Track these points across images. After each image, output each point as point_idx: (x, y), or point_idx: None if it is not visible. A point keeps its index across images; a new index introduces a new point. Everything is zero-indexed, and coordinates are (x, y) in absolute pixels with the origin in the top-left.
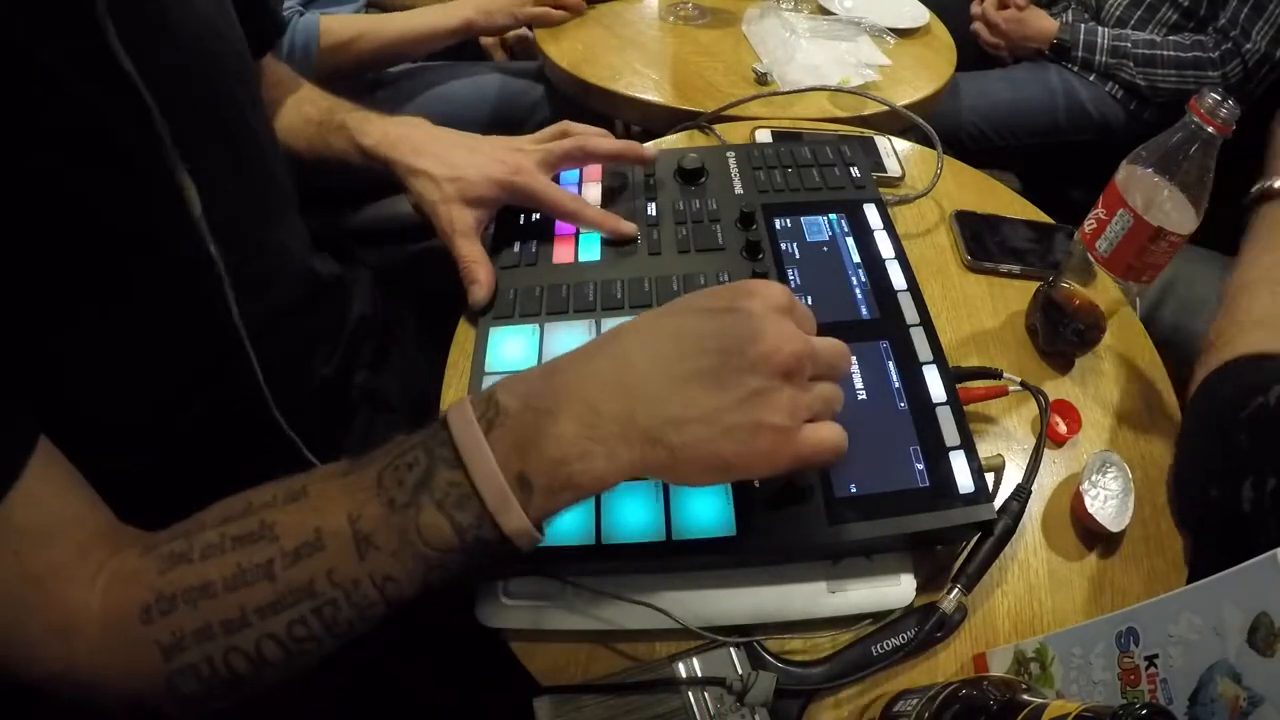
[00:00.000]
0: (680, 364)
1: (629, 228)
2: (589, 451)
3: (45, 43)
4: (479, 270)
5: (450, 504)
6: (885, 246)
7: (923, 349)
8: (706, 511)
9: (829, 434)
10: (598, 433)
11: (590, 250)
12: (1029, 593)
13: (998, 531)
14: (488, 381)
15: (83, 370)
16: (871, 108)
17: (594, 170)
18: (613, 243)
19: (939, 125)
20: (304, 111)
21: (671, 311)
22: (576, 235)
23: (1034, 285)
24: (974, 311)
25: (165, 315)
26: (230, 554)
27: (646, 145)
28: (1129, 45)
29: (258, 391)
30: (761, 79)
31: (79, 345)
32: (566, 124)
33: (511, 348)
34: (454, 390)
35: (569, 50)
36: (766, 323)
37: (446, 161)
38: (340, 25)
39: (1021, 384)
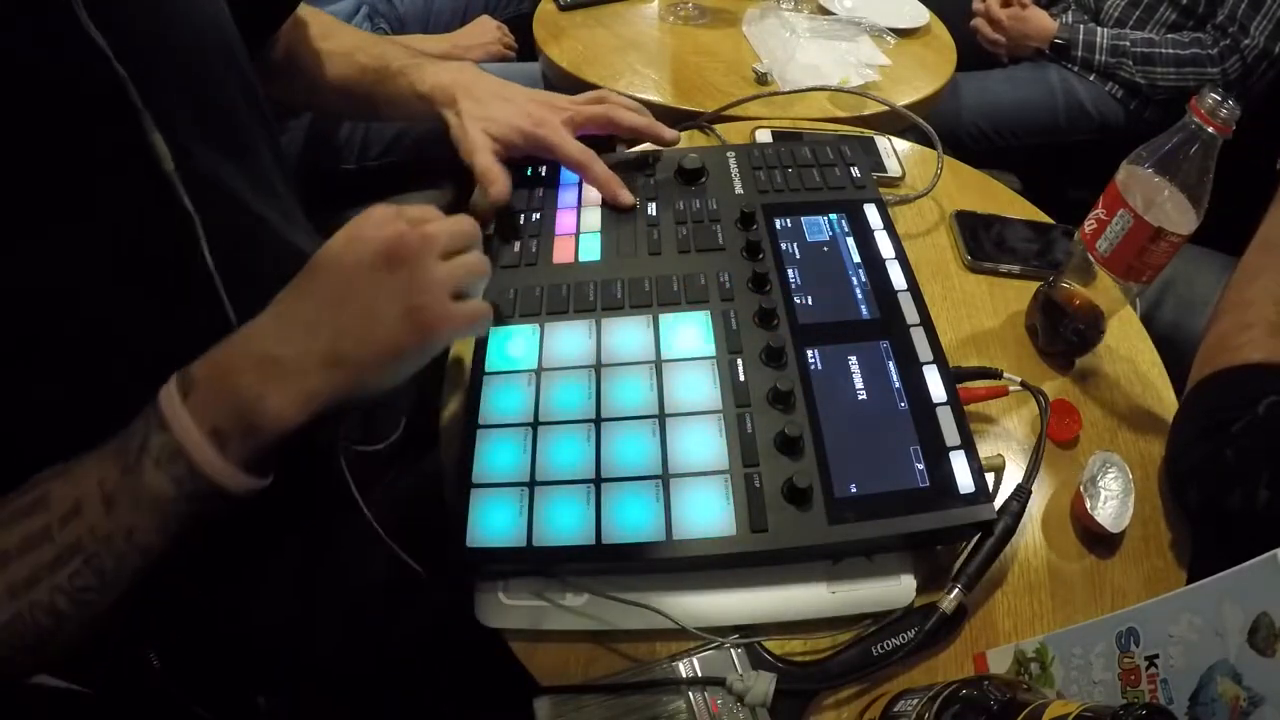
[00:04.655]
0: (326, 298)
1: (628, 197)
2: (263, 395)
3: (14, 17)
4: (495, 172)
5: (165, 461)
6: (885, 246)
7: (923, 349)
8: (707, 511)
9: (469, 308)
10: (273, 376)
11: (590, 250)
12: (1029, 593)
13: (998, 531)
14: (488, 381)
15: (57, 320)
16: (871, 108)
17: None
18: (612, 212)
19: (939, 125)
20: (357, 61)
21: (307, 272)
22: (576, 235)
23: (1034, 285)
24: (974, 311)
25: (140, 262)
26: (18, 526)
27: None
28: (1128, 44)
29: None
30: (761, 79)
31: (49, 281)
32: (604, 92)
33: (512, 347)
34: (453, 390)
35: (569, 50)
36: (365, 230)
37: (481, 103)
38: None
39: (1021, 384)
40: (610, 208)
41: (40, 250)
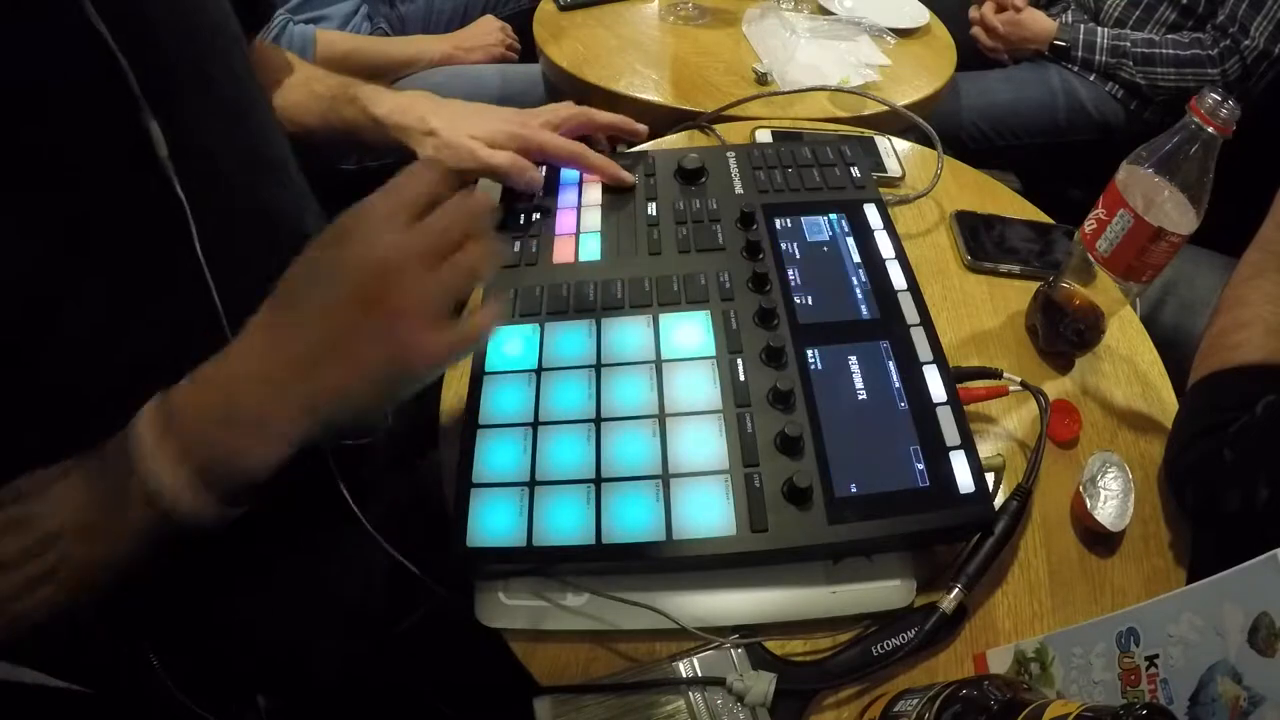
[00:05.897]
0: (301, 336)
1: (629, 176)
2: (240, 450)
3: (18, 6)
4: (521, 161)
5: (141, 503)
6: (885, 246)
7: (923, 349)
8: (707, 511)
9: (453, 339)
10: (251, 431)
11: (590, 250)
12: (1029, 593)
13: (998, 531)
14: (488, 381)
15: (43, 314)
16: (871, 108)
17: None
18: (612, 213)
19: (939, 125)
20: (313, 89)
21: (279, 301)
22: (576, 235)
23: (1034, 285)
24: (974, 311)
25: (127, 250)
26: None
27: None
28: (1128, 44)
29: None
30: (761, 79)
31: (40, 286)
32: (570, 104)
33: (511, 347)
34: (453, 390)
35: (569, 50)
36: (336, 259)
37: (455, 119)
38: (337, 39)
39: (1021, 384)
40: (612, 191)
41: (19, 232)
